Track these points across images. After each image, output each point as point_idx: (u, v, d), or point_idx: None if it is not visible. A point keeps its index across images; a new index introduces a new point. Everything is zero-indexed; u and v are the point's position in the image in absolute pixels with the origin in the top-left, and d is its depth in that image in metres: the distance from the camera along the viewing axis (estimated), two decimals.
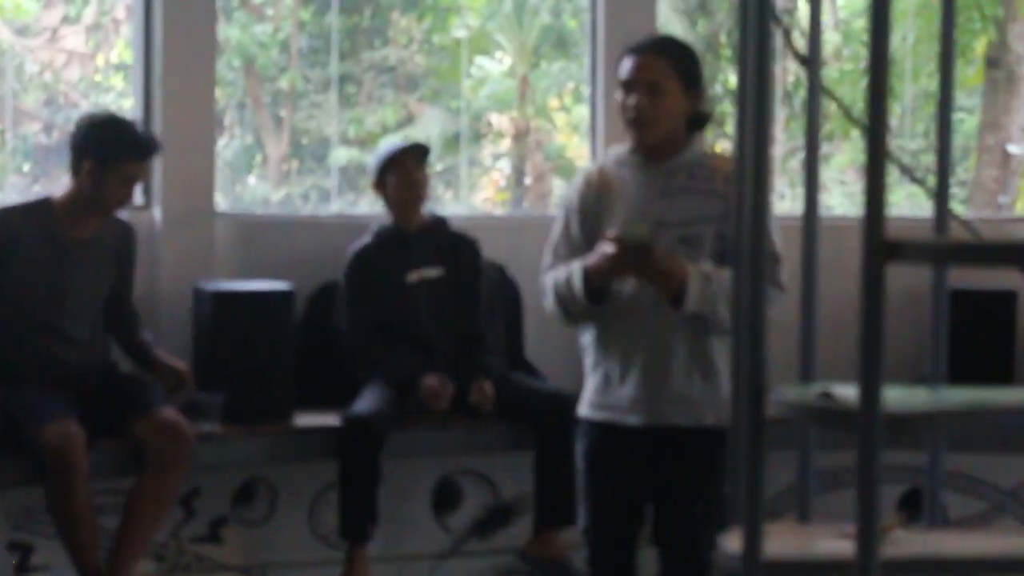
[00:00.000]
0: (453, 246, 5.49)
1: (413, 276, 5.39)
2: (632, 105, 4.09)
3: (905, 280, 5.65)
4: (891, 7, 2.32)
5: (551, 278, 4.21)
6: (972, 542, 2.77)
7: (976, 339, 5.48)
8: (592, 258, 4.05)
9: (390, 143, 5.60)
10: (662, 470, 4.19)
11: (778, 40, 3.36)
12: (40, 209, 4.95)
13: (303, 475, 5.41)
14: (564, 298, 4.15)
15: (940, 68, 3.12)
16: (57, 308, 4.90)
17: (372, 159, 5.56)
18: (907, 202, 9.75)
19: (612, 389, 4.19)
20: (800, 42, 2.97)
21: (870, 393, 2.22)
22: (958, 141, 12.13)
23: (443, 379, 5.20)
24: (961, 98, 11.67)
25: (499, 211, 11.53)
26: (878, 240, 2.24)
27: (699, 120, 4.20)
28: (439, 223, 5.50)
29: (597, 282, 4.05)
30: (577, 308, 4.13)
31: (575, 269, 4.10)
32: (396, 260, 5.39)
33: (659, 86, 4.07)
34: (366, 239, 5.44)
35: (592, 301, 4.09)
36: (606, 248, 3.99)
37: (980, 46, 10.67)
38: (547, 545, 5.16)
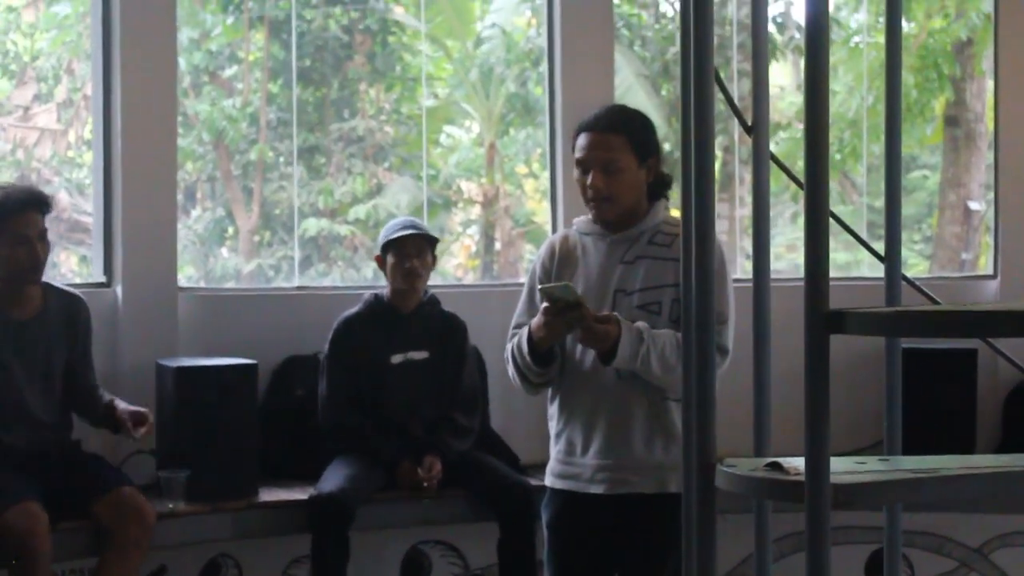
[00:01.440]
0: (442, 328, 5.48)
1: (397, 358, 5.38)
2: (589, 185, 4.12)
3: (868, 340, 5.69)
4: (827, 70, 2.34)
5: (509, 347, 4.22)
6: None
7: (936, 398, 5.49)
8: (535, 320, 4.07)
9: (398, 222, 5.47)
10: (627, 537, 4.16)
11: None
12: None
13: (269, 550, 5.38)
14: (518, 364, 4.16)
15: (886, 133, 3.12)
16: (10, 389, 4.85)
17: (382, 231, 5.52)
18: (871, 261, 9.78)
19: (575, 458, 4.18)
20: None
21: (817, 465, 2.21)
22: (922, 198, 12.19)
23: (415, 467, 5.26)
24: (923, 156, 11.75)
25: (468, 279, 11.54)
26: (821, 311, 2.24)
27: (660, 187, 4.20)
28: (432, 303, 5.49)
29: (541, 344, 4.06)
30: (530, 373, 4.15)
31: (523, 333, 4.13)
32: (383, 338, 5.38)
33: (614, 164, 4.09)
34: (357, 308, 5.43)
35: (538, 364, 4.11)
36: (541, 306, 4.02)
37: (939, 105, 10.75)
38: None
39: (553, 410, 4.28)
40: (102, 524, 4.76)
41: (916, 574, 5.85)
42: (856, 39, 10.40)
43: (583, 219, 4.28)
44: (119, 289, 5.49)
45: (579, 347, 4.11)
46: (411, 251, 5.35)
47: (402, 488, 5.27)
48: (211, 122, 11.09)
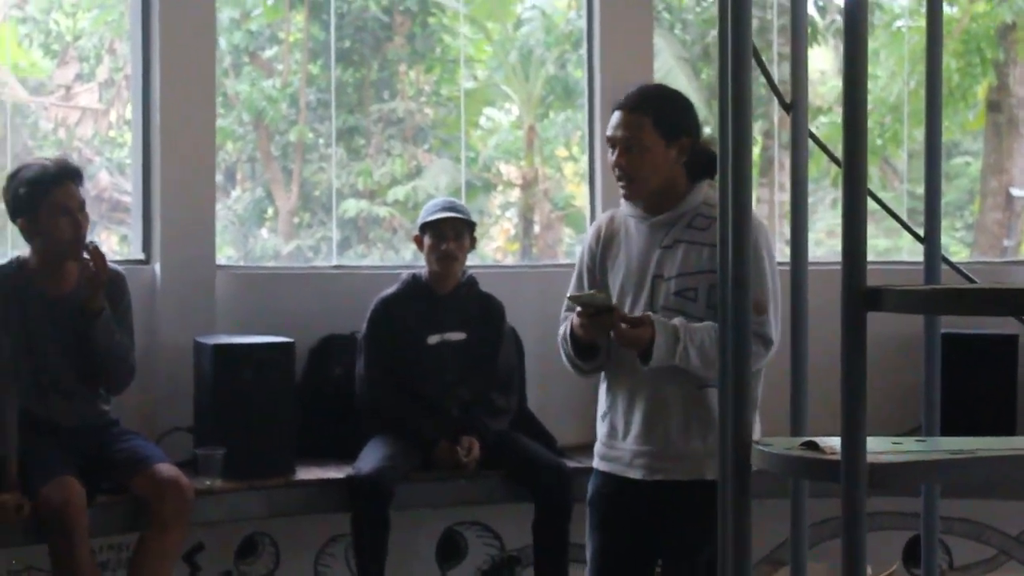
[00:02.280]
0: (479, 309, 5.48)
1: (434, 338, 5.39)
2: (613, 163, 4.13)
3: (911, 325, 5.67)
4: (866, 52, 2.32)
5: (560, 330, 4.24)
6: None
7: (976, 384, 5.45)
8: (573, 319, 4.09)
9: (437, 202, 5.47)
10: (664, 524, 4.16)
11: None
12: (16, 269, 4.91)
13: (306, 528, 5.40)
14: (566, 352, 4.21)
15: (926, 114, 3.10)
16: (46, 365, 4.87)
17: (422, 211, 5.53)
18: (913, 247, 9.72)
19: (616, 442, 4.20)
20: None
21: (853, 443, 2.20)
22: (963, 184, 12.10)
23: (453, 447, 5.27)
24: (965, 142, 11.66)
25: (507, 262, 11.53)
26: (858, 288, 2.23)
27: (702, 166, 4.13)
28: (470, 284, 5.48)
29: (582, 340, 4.09)
30: (575, 365, 4.20)
31: (567, 324, 4.15)
32: (421, 318, 5.38)
33: (638, 142, 4.07)
34: (395, 288, 5.43)
35: (582, 358, 4.15)
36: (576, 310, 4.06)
37: (981, 90, 10.67)
38: None
39: (601, 392, 4.29)
40: (140, 500, 4.77)
41: (954, 561, 5.82)
42: (898, 23, 10.34)
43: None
44: (157, 267, 5.51)
45: None
46: (448, 233, 5.34)
47: (439, 468, 5.27)
48: (251, 102, 11.11)
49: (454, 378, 5.38)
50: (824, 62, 12.13)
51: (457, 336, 5.42)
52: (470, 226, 5.40)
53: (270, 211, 11.84)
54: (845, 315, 2.23)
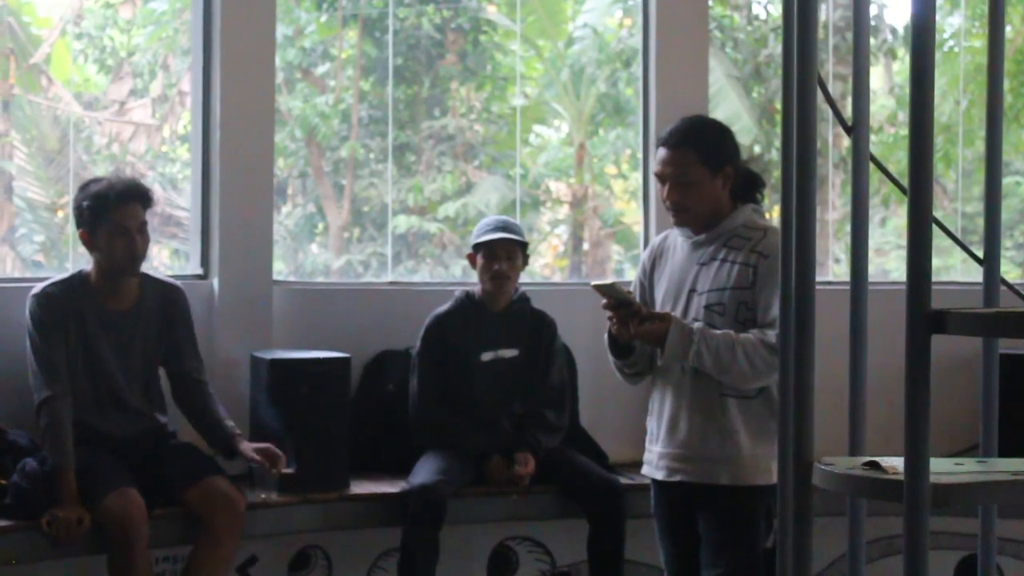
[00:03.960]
0: (532, 326, 5.51)
1: (487, 356, 5.42)
2: (665, 198, 4.35)
3: (964, 344, 5.68)
4: (933, 75, 2.34)
5: (605, 335, 4.43)
6: None
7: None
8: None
9: (490, 221, 5.49)
10: (691, 525, 4.36)
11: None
12: (78, 283, 4.96)
13: (359, 542, 5.44)
14: (611, 354, 4.43)
15: (987, 133, 3.13)
16: (106, 378, 4.93)
17: (475, 229, 5.58)
18: (963, 266, 9.69)
19: (652, 446, 4.44)
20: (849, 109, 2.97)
21: (916, 463, 2.22)
22: (1014, 205, 12.06)
23: (506, 461, 5.30)
24: (1017, 162, 11.62)
25: (555, 279, 11.56)
26: (923, 311, 2.25)
27: (746, 188, 4.38)
28: (522, 300, 5.52)
29: (618, 337, 4.28)
30: (614, 362, 4.45)
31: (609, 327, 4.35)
32: (474, 335, 5.42)
33: (686, 177, 4.29)
34: (448, 305, 5.47)
35: (617, 356, 4.38)
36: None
37: None
38: None
39: (649, 402, 4.52)
40: (194, 512, 4.82)
41: None
42: (950, 43, 10.33)
43: None
44: (215, 281, 5.56)
45: None
46: (501, 254, 5.37)
47: (491, 483, 5.30)
48: (303, 119, 11.20)
49: (507, 395, 5.41)
50: (875, 80, 12.13)
51: (510, 353, 5.45)
52: (523, 245, 5.43)
53: (320, 226, 11.92)
54: (910, 337, 2.25)
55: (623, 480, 5.40)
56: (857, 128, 2.91)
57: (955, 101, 9.84)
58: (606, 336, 4.37)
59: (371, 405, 5.61)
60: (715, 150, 4.32)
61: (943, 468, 2.45)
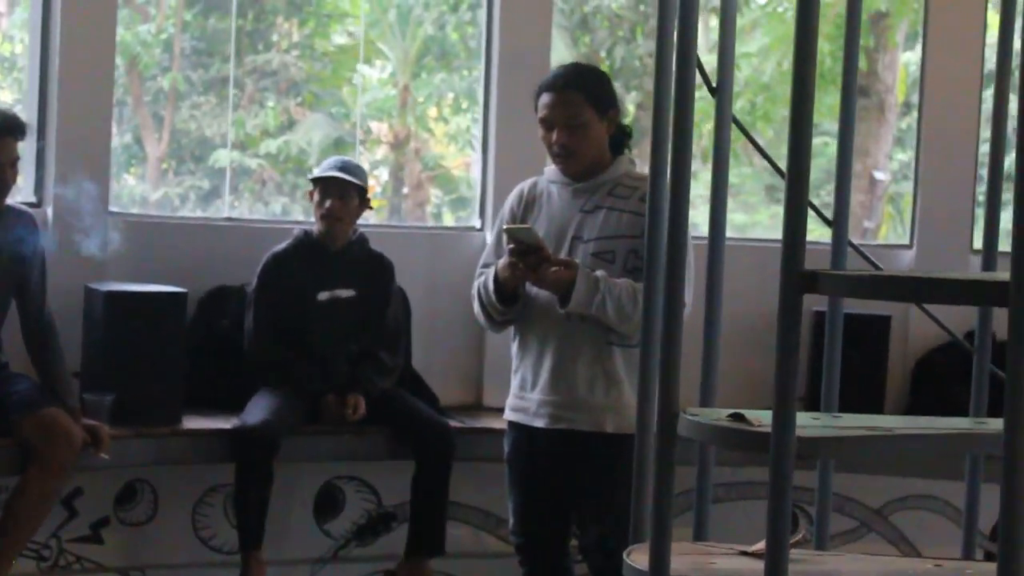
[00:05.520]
0: (369, 267, 5.52)
1: (324, 295, 5.42)
2: (554, 142, 4.33)
3: (766, 305, 5.87)
4: (816, 37, 2.43)
5: (476, 285, 4.42)
6: (866, 564, 2.87)
7: (848, 361, 5.62)
8: (501, 261, 4.27)
9: (331, 161, 5.48)
10: (571, 474, 4.38)
11: None
12: None
13: (187, 477, 5.42)
14: (484, 303, 4.38)
15: (842, 101, 3.25)
16: None
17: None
18: (771, 222, 9.92)
19: (525, 393, 4.42)
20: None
21: (785, 417, 2.31)
22: (823, 164, 12.37)
23: (340, 401, 5.33)
24: (825, 123, 11.91)
25: (374, 219, 11.55)
26: (796, 271, 2.33)
27: (621, 139, 4.44)
28: (360, 241, 5.52)
29: (506, 284, 4.27)
30: (495, 311, 4.36)
31: (489, 273, 4.33)
32: (310, 274, 5.42)
33: (576, 120, 4.31)
34: (286, 243, 5.46)
35: (503, 303, 4.32)
36: (507, 248, 4.24)
37: None
38: (415, 571, 5.35)
39: (514, 348, 4.48)
40: (27, 444, 4.76)
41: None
42: (782, 5, 10.53)
43: (552, 168, 4.48)
44: (49, 210, 5.47)
45: (535, 288, 4.30)
46: (333, 191, 5.37)
47: (325, 421, 5.33)
48: (125, 46, 10.95)
49: (343, 335, 5.43)
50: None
51: (347, 293, 5.47)
52: (360, 189, 5.43)
53: (138, 157, 11.71)
54: (783, 296, 2.33)
55: (452, 423, 5.48)
56: (721, 91, 3.00)
57: (777, 62, 10.07)
58: (484, 281, 4.35)
59: (205, 341, 5.58)
60: (601, 93, 4.37)
61: (802, 422, 2.55)
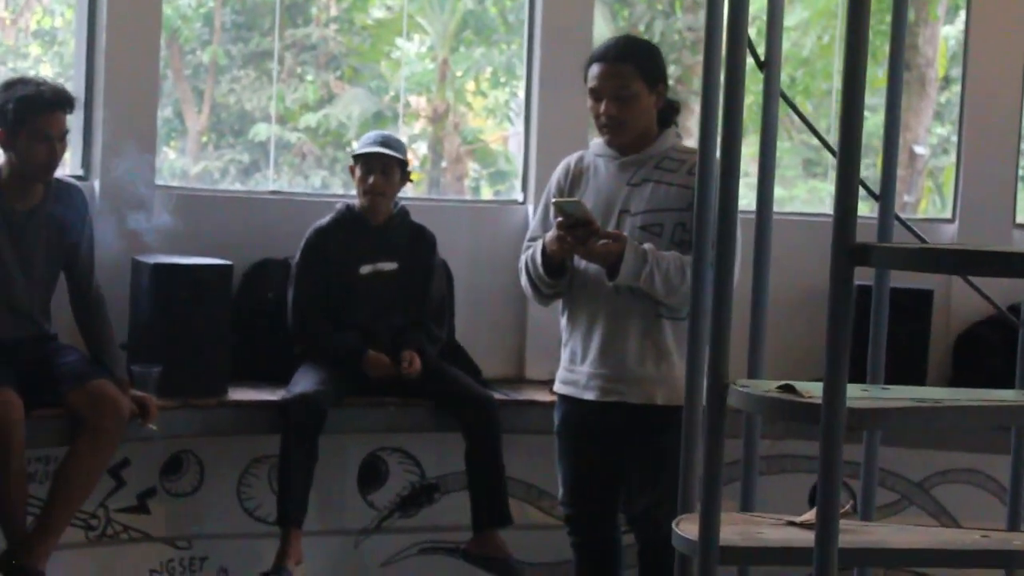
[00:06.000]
0: (411, 240, 5.54)
1: (366, 268, 5.45)
2: (603, 113, 4.35)
3: (806, 279, 5.89)
4: (868, 18, 2.44)
5: (523, 259, 4.45)
6: (914, 535, 2.89)
7: (890, 335, 5.63)
8: (549, 234, 4.29)
9: (371, 136, 5.50)
10: (621, 446, 4.42)
11: None
12: None
13: (232, 449, 5.47)
14: (531, 276, 4.41)
15: (889, 76, 3.25)
16: (4, 280, 4.89)
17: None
18: (808, 196, 9.92)
19: (575, 366, 4.44)
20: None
21: (836, 388, 2.34)
22: (863, 138, 12.34)
23: (382, 355, 5.34)
24: (867, 97, 11.88)
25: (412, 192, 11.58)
26: (847, 244, 2.35)
27: (668, 113, 4.46)
28: (402, 214, 5.55)
29: (554, 256, 4.29)
30: (542, 284, 4.39)
31: (537, 246, 4.36)
32: (352, 248, 5.44)
33: (627, 91, 4.33)
34: (329, 217, 5.49)
35: (550, 276, 4.34)
36: (555, 221, 4.25)
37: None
38: (487, 545, 5.36)
39: (563, 321, 4.52)
40: (77, 414, 4.82)
41: (858, 504, 6.01)
42: None
43: (598, 141, 4.50)
44: (96, 184, 5.52)
45: (584, 262, 4.33)
46: (376, 167, 5.40)
47: (374, 374, 5.33)
48: (165, 20, 11.00)
49: (386, 308, 5.46)
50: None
51: (389, 266, 5.49)
52: (401, 163, 5.45)
53: (178, 131, 11.76)
54: (835, 269, 2.36)
55: (496, 395, 5.50)
56: (768, 66, 3.01)
57: (817, 36, 10.05)
58: (532, 254, 4.38)
59: (251, 313, 5.62)
60: (652, 66, 4.39)
61: (851, 393, 2.57)
